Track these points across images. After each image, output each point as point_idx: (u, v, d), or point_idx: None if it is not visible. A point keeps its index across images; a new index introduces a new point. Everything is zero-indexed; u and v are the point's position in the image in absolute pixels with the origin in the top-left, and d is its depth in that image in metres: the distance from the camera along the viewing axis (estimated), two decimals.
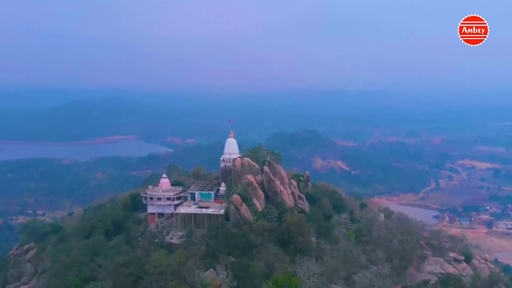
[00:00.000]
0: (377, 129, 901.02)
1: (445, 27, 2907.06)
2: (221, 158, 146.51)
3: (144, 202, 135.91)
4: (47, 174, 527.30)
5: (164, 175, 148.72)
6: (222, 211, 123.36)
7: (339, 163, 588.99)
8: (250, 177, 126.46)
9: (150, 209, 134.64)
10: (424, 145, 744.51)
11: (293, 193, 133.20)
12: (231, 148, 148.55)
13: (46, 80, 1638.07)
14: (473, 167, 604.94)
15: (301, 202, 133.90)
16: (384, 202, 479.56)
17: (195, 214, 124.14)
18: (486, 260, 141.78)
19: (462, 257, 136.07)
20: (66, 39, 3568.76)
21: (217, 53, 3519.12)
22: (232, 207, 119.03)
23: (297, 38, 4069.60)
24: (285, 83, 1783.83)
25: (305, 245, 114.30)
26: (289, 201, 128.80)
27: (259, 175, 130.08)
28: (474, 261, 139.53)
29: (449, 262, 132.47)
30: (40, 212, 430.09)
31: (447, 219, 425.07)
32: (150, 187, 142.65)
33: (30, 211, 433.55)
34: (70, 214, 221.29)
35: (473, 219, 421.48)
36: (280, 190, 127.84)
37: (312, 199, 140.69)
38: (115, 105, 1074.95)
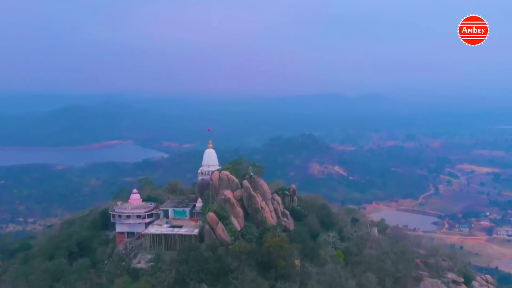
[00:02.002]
0: (376, 133, 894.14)
1: (445, 30, 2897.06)
2: (199, 171, 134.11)
3: (112, 220, 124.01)
4: (40, 181, 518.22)
5: (135, 190, 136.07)
6: (196, 231, 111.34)
7: (336, 168, 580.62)
8: (227, 193, 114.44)
9: (118, 228, 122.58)
10: (423, 149, 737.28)
11: (276, 210, 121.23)
12: (210, 160, 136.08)
13: (41, 85, 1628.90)
14: (473, 172, 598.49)
15: (285, 219, 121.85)
16: (383, 208, 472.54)
17: (165, 235, 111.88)
18: (487, 281, 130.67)
19: (462, 279, 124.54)
20: (62, 43, 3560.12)
21: (215, 57, 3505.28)
22: (207, 227, 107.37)
23: (295, 42, 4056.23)
24: (283, 87, 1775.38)
25: (287, 269, 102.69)
26: (271, 218, 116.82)
27: (238, 190, 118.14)
28: (475, 283, 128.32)
29: (447, 284, 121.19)
30: (31, 220, 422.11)
31: (446, 225, 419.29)
32: (119, 203, 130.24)
33: (21, 219, 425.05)
34: (49, 226, 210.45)
35: (473, 225, 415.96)
36: (261, 207, 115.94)
37: (298, 215, 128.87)
38: (112, 110, 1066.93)
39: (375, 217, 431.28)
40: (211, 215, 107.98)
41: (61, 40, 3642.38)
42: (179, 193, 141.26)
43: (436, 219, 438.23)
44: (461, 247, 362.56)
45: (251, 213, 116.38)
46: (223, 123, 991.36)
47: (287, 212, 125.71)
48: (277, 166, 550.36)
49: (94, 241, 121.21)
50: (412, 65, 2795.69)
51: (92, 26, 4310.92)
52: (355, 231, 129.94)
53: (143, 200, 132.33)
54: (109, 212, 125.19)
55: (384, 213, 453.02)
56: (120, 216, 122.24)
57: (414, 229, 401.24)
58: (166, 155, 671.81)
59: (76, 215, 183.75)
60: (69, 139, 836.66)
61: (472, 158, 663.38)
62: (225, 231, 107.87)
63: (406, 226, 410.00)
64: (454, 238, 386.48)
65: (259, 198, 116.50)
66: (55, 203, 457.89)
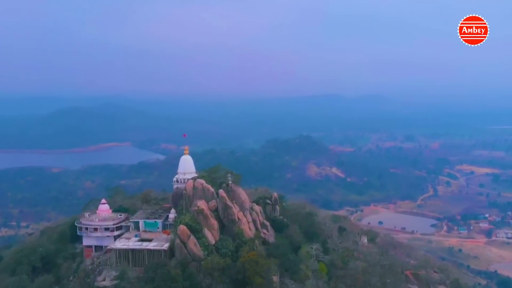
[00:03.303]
0: (375, 134, 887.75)
1: (445, 30, 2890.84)
2: (174, 179, 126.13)
3: (78, 233, 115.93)
4: (35, 184, 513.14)
5: (103, 200, 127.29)
6: (166, 246, 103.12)
7: (334, 170, 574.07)
8: (201, 203, 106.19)
9: (85, 241, 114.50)
10: (422, 150, 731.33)
11: (254, 221, 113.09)
12: (186, 167, 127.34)
13: (39, 87, 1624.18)
14: (472, 172, 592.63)
15: (264, 231, 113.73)
16: (381, 210, 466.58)
17: (132, 250, 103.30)
18: None
19: None
20: (59, 45, 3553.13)
21: (214, 58, 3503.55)
22: (178, 241, 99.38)
23: (295, 43, 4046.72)
24: (283, 88, 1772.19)
25: (263, 287, 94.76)
26: (248, 230, 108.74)
27: (213, 200, 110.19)
28: None
29: None
30: (24, 224, 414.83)
31: (445, 228, 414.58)
32: (87, 214, 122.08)
33: (14, 223, 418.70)
34: (30, 234, 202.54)
35: (471, 228, 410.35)
36: (238, 218, 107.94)
37: (279, 226, 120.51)
38: (110, 112, 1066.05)
39: (373, 219, 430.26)
40: (182, 228, 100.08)
41: (58, 41, 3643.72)
42: (153, 202, 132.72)
43: (434, 221, 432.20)
44: (460, 250, 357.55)
45: (227, 225, 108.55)
46: (222, 124, 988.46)
47: (267, 223, 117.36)
48: (274, 168, 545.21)
49: (60, 255, 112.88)
50: (412, 65, 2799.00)
51: (90, 27, 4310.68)
52: (340, 242, 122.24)
53: (113, 211, 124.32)
54: (76, 224, 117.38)
55: (382, 215, 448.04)
56: (87, 228, 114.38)
57: (412, 232, 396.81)
58: (162, 158, 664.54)
59: (60, 221, 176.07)
60: (66, 142, 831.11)
61: (471, 159, 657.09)
62: (198, 245, 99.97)
63: (404, 228, 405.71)
64: (452, 241, 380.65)
65: (236, 209, 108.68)
66: (49, 207, 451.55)
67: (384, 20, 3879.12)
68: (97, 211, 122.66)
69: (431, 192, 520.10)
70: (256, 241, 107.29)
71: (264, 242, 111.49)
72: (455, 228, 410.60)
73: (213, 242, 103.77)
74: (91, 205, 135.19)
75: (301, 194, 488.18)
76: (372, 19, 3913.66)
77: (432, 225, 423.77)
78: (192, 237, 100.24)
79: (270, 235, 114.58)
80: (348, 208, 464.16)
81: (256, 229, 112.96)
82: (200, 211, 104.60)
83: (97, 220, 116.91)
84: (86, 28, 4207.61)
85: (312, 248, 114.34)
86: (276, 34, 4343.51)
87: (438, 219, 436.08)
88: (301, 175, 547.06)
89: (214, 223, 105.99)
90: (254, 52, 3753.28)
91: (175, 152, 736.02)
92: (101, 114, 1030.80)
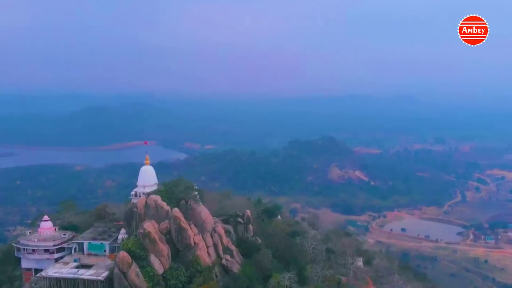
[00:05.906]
0: (404, 136, 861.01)
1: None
2: (132, 192, 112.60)
3: (16, 254, 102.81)
4: (56, 182, 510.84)
5: (46, 217, 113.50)
6: (104, 275, 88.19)
7: (357, 173, 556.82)
8: (148, 225, 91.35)
9: (24, 264, 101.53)
10: (452, 153, 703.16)
11: (216, 245, 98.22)
12: (146, 179, 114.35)
13: (67, 85, 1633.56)
14: (503, 178, 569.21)
15: (227, 257, 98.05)
16: (405, 216, 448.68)
17: (65, 279, 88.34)
18: None
19: None
20: (88, 44, 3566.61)
21: (238, 57, 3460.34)
22: (117, 270, 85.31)
23: (323, 41, 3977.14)
24: (311, 88, 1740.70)
25: None
26: (206, 257, 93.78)
27: (166, 220, 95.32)
28: None
29: None
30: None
31: (471, 236, 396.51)
32: (28, 232, 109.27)
33: (29, 222, 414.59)
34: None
35: (499, 237, 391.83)
36: (195, 242, 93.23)
37: (250, 250, 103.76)
38: (136, 110, 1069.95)
39: (395, 225, 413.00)
40: (121, 255, 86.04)
41: (88, 40, 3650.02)
42: (109, 219, 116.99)
43: (461, 229, 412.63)
44: (486, 261, 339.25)
45: (182, 251, 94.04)
46: (246, 124, 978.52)
47: (233, 248, 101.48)
48: (295, 170, 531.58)
49: None
50: (444, 65, 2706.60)
51: (119, 25, 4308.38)
52: (321, 269, 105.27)
53: (60, 229, 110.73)
54: (13, 244, 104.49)
55: (406, 221, 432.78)
56: (25, 249, 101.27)
57: (436, 240, 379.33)
58: (182, 157, 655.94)
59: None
60: (93, 139, 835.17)
61: (503, 163, 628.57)
62: (140, 275, 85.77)
63: (428, 236, 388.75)
64: (478, 251, 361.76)
65: (192, 231, 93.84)
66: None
67: (414, 20, 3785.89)
68: (38, 229, 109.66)
69: (459, 198, 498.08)
70: (215, 270, 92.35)
71: (226, 270, 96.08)
72: (482, 237, 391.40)
73: (161, 271, 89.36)
74: (40, 220, 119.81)
75: (322, 198, 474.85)
76: (402, 17, 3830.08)
77: (458, 233, 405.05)
78: (134, 265, 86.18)
79: (234, 262, 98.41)
80: (371, 213, 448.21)
81: (218, 255, 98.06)
82: (147, 235, 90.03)
83: (36, 240, 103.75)
84: (116, 26, 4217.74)
85: (284, 277, 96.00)
86: (304, 33, 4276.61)
87: (464, 226, 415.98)
88: (323, 178, 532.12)
89: (164, 248, 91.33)
90: (281, 51, 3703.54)
91: (197, 151, 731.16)
92: (128, 113, 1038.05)
